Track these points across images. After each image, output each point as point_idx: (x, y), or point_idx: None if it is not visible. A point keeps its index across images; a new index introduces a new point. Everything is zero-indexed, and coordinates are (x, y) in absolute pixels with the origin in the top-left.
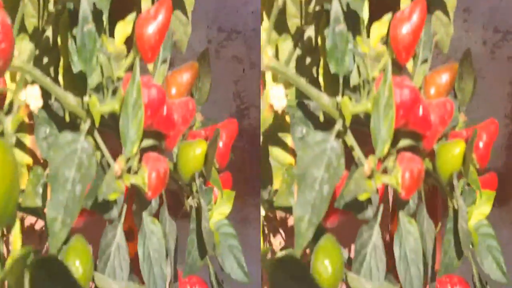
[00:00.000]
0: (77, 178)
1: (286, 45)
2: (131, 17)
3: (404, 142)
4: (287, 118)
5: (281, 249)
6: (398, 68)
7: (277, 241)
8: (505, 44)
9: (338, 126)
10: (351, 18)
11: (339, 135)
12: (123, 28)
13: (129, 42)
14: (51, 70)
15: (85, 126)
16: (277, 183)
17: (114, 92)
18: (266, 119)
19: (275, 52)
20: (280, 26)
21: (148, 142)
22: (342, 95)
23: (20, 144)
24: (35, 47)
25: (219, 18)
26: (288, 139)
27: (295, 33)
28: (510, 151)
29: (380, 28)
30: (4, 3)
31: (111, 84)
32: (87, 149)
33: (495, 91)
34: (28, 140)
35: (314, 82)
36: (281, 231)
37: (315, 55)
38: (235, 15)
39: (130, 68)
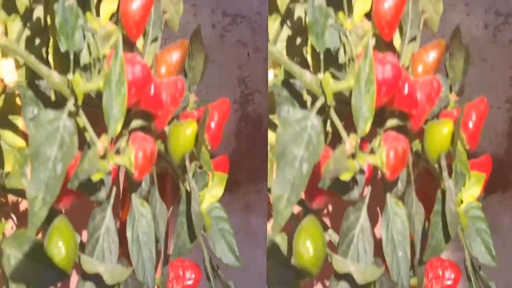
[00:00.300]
0: (58, 156)
1: (275, 24)
2: None
3: (391, 122)
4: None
5: None
6: (385, 45)
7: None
8: (506, 27)
9: (320, 103)
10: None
11: (321, 112)
12: (108, 5)
13: (117, 20)
14: (43, 51)
15: (69, 104)
16: None
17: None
18: None
19: None
20: (270, 6)
21: (137, 122)
22: (324, 72)
23: (12, 127)
24: (24, 26)
25: (223, 1)
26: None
27: (284, 12)
28: (511, 137)
29: (363, 3)
30: None
31: (98, 63)
32: (69, 127)
33: (496, 75)
34: (20, 122)
35: (304, 62)
36: None
37: (305, 35)
38: None
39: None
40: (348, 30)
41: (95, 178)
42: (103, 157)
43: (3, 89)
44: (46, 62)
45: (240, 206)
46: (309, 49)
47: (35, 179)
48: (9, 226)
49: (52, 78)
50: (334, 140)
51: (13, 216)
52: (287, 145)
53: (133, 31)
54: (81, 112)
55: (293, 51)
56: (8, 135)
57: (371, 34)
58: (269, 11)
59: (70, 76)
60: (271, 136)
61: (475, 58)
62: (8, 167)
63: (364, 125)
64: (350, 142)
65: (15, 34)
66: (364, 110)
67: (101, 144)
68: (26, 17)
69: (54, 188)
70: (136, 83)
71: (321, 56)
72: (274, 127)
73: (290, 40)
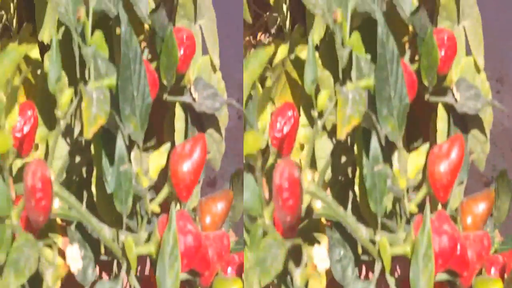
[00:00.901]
0: None
1: (323, 141)
2: (165, 148)
3: (441, 277)
4: (322, 219)
5: None
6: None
7: None
8: None
9: (377, 271)
10: (389, 150)
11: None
12: (157, 159)
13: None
14: (83, 170)
15: (122, 273)
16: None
17: (149, 221)
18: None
19: (311, 147)
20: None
21: (182, 275)
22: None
23: (51, 245)
24: (71, 149)
25: None
26: (323, 239)
27: (331, 130)
28: None
29: (417, 158)
30: (38, 101)
31: (145, 215)
32: None
33: None
34: (60, 240)
35: (349, 183)
36: None
37: (350, 155)
38: None
39: (164, 202)
40: (403, 189)
41: None
42: None
43: (66, 273)
44: (87, 183)
45: None
46: (357, 180)
47: None
48: None
49: (102, 233)
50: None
51: None
52: None
53: (183, 193)
54: (132, 276)
55: (337, 170)
56: (47, 252)
57: (428, 207)
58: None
59: (122, 237)
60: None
61: (506, 151)
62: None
63: None
64: None
65: (56, 150)
66: (422, 285)
67: None
68: (67, 134)
69: None
70: (188, 253)
71: (379, 219)
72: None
73: (334, 158)
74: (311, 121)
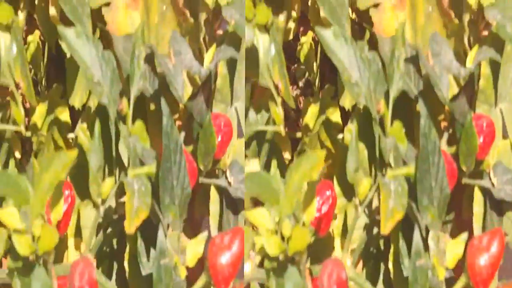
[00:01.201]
0: None
1: (354, 211)
2: (202, 236)
3: None
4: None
5: None
6: None
7: None
8: None
9: None
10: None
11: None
12: (195, 247)
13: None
14: (114, 241)
15: None
16: None
17: None
18: None
19: (344, 217)
20: (349, 193)
21: None
22: None
23: None
24: (102, 221)
25: None
26: None
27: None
28: None
29: (456, 248)
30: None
31: None
32: None
33: None
34: None
35: (381, 256)
36: None
37: None
38: None
39: None
40: (442, 281)
41: None
42: None
43: None
44: (118, 255)
45: None
46: (391, 257)
47: None
48: None
49: None
50: None
51: None
52: None
53: (222, 286)
54: None
55: (370, 242)
56: None
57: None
58: (348, 197)
59: None
60: None
61: None
62: None
63: None
64: None
65: (87, 220)
66: None
67: None
68: (99, 204)
69: None
70: None
71: None
72: None
73: (368, 230)
74: (345, 192)
